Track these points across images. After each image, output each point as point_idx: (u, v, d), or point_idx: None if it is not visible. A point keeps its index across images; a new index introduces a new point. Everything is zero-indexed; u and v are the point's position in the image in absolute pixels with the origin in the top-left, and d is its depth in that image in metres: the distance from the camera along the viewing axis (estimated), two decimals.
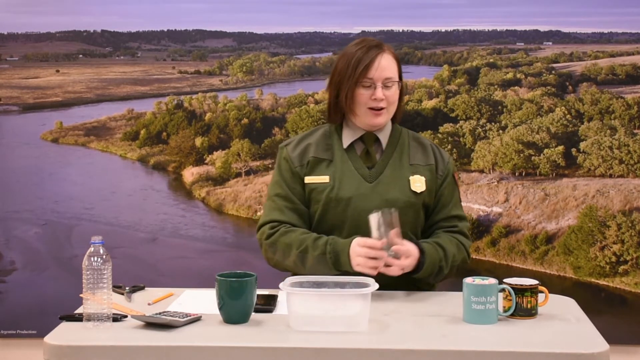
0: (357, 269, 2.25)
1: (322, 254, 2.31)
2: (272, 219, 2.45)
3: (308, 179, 2.45)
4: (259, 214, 4.45)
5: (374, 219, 2.24)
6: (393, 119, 2.55)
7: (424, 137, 2.65)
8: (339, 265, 2.29)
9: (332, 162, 2.46)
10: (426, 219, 2.50)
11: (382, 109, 2.43)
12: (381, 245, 2.24)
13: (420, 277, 2.35)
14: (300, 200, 2.47)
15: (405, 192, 2.44)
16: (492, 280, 2.08)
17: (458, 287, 2.14)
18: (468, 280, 2.08)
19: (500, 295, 2.15)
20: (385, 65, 2.42)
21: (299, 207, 2.46)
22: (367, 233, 2.33)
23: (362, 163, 2.47)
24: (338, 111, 2.49)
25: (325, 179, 2.44)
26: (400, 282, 2.31)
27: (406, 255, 2.28)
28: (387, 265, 2.26)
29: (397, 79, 2.45)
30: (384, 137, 2.50)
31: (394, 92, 2.44)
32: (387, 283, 2.24)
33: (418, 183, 2.46)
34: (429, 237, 2.46)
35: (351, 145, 2.49)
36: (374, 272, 2.21)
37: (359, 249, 2.25)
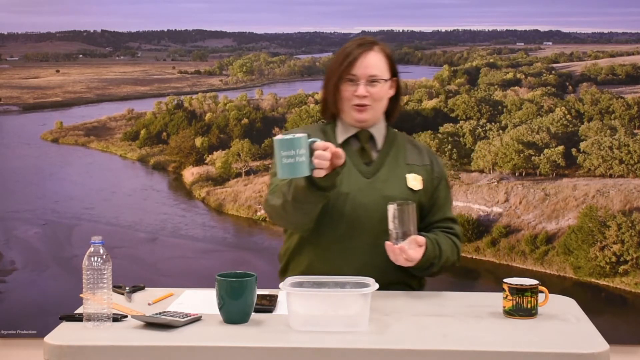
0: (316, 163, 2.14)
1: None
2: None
3: None
4: (259, 214, 4.45)
5: (390, 210, 2.26)
6: (388, 120, 2.57)
7: (419, 141, 2.67)
8: (310, 179, 2.19)
9: None
10: (421, 219, 2.51)
11: (365, 105, 2.44)
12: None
13: (411, 268, 2.36)
14: None
15: (403, 190, 2.46)
16: (301, 135, 2.08)
17: (457, 287, 2.15)
18: (277, 137, 2.10)
19: (501, 294, 2.16)
20: (370, 62, 2.44)
21: None
22: (364, 227, 2.38)
23: (359, 159, 2.49)
24: (328, 108, 2.52)
25: None
26: (391, 282, 2.29)
27: (419, 244, 2.29)
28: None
29: (383, 77, 2.46)
30: (378, 135, 2.53)
31: (379, 89, 2.45)
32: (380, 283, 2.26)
33: (414, 181, 2.49)
34: None
35: (347, 142, 2.51)
36: (327, 164, 2.14)
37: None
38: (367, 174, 2.47)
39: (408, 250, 2.26)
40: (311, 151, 2.12)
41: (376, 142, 2.52)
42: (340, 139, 2.51)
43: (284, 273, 2.59)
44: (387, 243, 2.28)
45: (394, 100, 2.55)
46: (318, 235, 2.44)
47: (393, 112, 2.57)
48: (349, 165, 2.45)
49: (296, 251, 2.52)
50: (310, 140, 2.11)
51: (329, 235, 2.42)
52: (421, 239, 2.29)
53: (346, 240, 2.42)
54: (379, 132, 2.53)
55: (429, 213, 2.51)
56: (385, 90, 2.48)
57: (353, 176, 2.44)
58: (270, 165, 4.43)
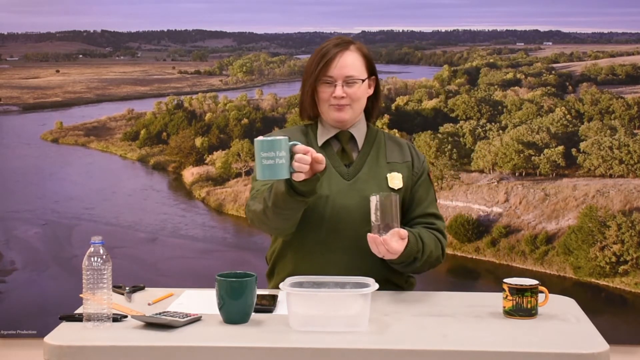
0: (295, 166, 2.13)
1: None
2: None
3: None
4: None
5: (373, 201, 2.22)
6: (368, 118, 2.57)
7: (400, 137, 2.65)
8: (289, 184, 2.19)
9: None
10: (403, 216, 2.48)
11: (344, 105, 2.43)
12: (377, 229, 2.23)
13: (393, 262, 2.34)
14: None
15: (383, 189, 2.44)
16: (282, 137, 2.07)
17: (457, 287, 2.15)
18: (258, 138, 2.08)
19: (501, 294, 2.16)
20: (346, 63, 2.43)
21: None
22: (346, 228, 2.37)
23: (340, 161, 2.48)
24: (305, 109, 2.51)
25: None
26: (377, 281, 2.26)
27: (401, 237, 2.25)
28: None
29: (361, 77, 2.45)
30: (359, 135, 2.51)
31: (356, 89, 2.44)
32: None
33: (396, 180, 2.47)
34: None
35: (328, 143, 2.50)
36: (307, 168, 2.13)
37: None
38: (347, 176, 2.46)
39: (390, 242, 2.23)
40: (292, 155, 2.11)
41: (357, 143, 2.51)
42: (321, 140, 2.49)
43: (270, 275, 2.59)
44: (369, 234, 2.25)
45: (373, 99, 2.54)
46: (301, 238, 2.43)
47: (373, 111, 2.57)
48: (329, 167, 2.44)
49: (281, 254, 2.52)
50: (291, 143, 2.10)
51: (311, 238, 2.42)
52: (403, 231, 2.25)
53: (329, 242, 2.40)
54: (359, 131, 2.52)
55: (409, 209, 2.49)
56: (362, 90, 2.47)
57: (333, 178, 2.43)
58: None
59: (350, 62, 2.44)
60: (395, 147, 2.55)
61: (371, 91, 2.52)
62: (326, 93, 2.44)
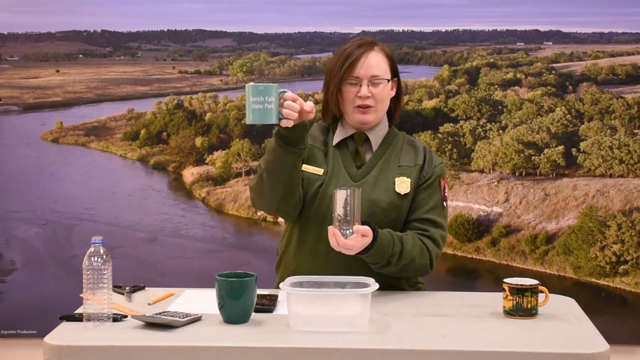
0: (284, 113, 2.20)
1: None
2: None
3: (304, 167, 2.45)
4: (259, 213, 4.46)
5: (342, 196, 2.20)
6: (391, 120, 2.56)
7: (421, 141, 2.64)
8: (277, 132, 2.29)
9: (327, 156, 2.48)
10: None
11: (369, 106, 2.43)
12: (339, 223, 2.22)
13: (367, 260, 2.31)
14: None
15: (390, 194, 2.43)
16: (272, 84, 2.16)
17: (457, 287, 2.15)
18: (249, 84, 2.17)
19: (501, 294, 2.16)
20: (372, 63, 2.43)
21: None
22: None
23: (352, 162, 2.48)
24: (329, 110, 2.51)
25: (320, 171, 2.46)
26: (381, 284, 2.23)
27: (362, 234, 2.22)
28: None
29: (386, 77, 2.45)
30: (374, 137, 2.50)
31: (381, 89, 2.44)
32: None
33: (403, 185, 2.44)
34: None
35: (344, 143, 2.51)
36: (295, 115, 2.21)
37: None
38: (356, 177, 2.45)
39: (342, 238, 2.20)
40: (282, 104, 2.19)
41: (371, 144, 2.50)
42: (335, 140, 2.50)
43: (277, 269, 2.61)
44: (330, 227, 2.21)
45: (395, 101, 2.54)
46: (305, 236, 2.45)
47: (395, 113, 2.56)
48: (338, 167, 2.46)
49: (286, 250, 2.53)
50: (281, 90, 2.18)
51: (314, 236, 2.42)
52: (365, 228, 2.23)
53: None
54: (377, 134, 2.51)
55: (409, 211, 2.45)
56: (387, 91, 2.47)
57: (341, 178, 2.43)
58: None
59: (376, 63, 2.44)
60: (411, 150, 2.52)
61: (393, 92, 2.52)
62: (351, 93, 2.43)
